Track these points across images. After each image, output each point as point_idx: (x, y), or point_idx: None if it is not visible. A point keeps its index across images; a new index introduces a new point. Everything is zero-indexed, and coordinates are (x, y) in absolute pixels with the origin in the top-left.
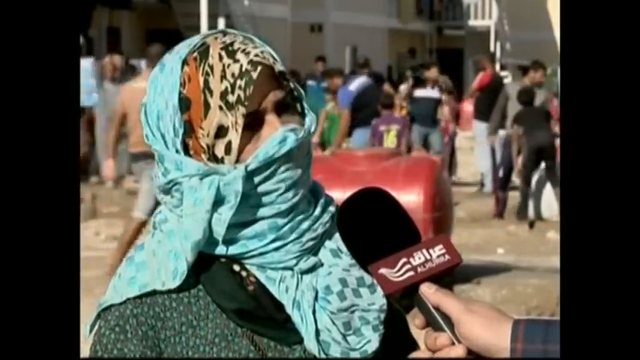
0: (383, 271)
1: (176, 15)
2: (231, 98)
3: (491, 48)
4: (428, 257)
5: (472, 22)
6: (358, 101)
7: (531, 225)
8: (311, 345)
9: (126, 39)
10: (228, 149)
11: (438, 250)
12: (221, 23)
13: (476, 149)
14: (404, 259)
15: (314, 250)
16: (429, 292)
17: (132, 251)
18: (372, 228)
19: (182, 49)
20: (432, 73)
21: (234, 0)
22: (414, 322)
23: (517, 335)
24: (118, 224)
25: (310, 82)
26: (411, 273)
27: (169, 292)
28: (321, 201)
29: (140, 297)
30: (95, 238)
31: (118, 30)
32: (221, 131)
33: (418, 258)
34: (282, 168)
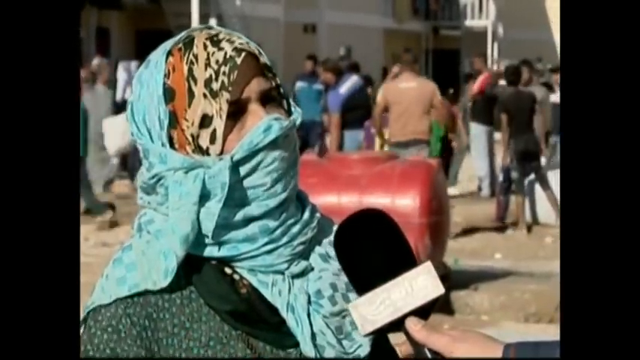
0: (361, 309)
1: (167, 15)
2: (215, 85)
3: (488, 48)
4: (409, 290)
5: (469, 22)
6: (348, 103)
7: (529, 229)
8: (307, 349)
9: (115, 40)
10: (212, 138)
11: (420, 282)
12: (212, 23)
13: (473, 152)
14: (384, 295)
15: (304, 255)
16: (414, 329)
17: (118, 252)
18: (368, 252)
19: (167, 43)
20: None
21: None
22: (400, 348)
23: (508, 358)
24: (107, 229)
25: (301, 84)
26: (391, 309)
27: (161, 292)
28: (308, 206)
29: (132, 297)
30: (84, 243)
31: (107, 30)
32: (205, 120)
33: (399, 292)
34: (268, 159)
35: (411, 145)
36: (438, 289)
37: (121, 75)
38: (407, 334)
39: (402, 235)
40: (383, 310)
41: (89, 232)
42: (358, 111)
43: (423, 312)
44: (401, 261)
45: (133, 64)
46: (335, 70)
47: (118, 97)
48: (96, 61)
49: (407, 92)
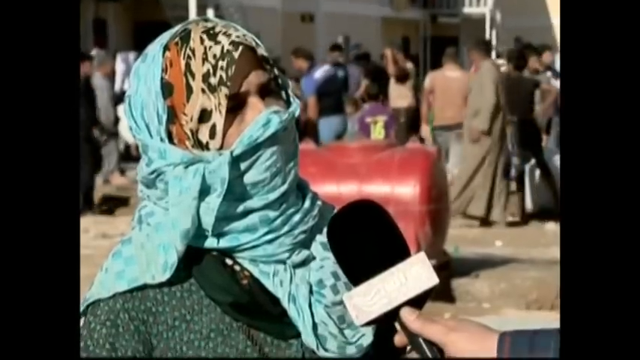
0: (356, 300)
1: (164, 6)
2: (213, 80)
3: (487, 36)
4: (403, 281)
5: (467, 10)
6: (322, 88)
7: (530, 216)
8: (309, 339)
9: (112, 31)
10: (212, 133)
11: (414, 272)
12: (210, 14)
13: None
14: (378, 286)
15: (305, 244)
16: (409, 319)
17: (118, 245)
18: (362, 244)
19: (164, 37)
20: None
21: None
22: (394, 339)
23: (503, 348)
24: (107, 221)
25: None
26: (385, 300)
27: (161, 286)
28: (309, 194)
29: (130, 291)
30: (84, 235)
31: (105, 22)
32: (204, 115)
33: (393, 282)
34: (268, 153)
35: (452, 128)
36: (432, 279)
37: (119, 66)
38: (402, 324)
39: (396, 226)
40: (377, 301)
41: (89, 224)
42: (332, 97)
43: (417, 302)
44: (395, 252)
45: (131, 55)
46: (307, 56)
47: (117, 87)
48: (94, 53)
49: (451, 81)
